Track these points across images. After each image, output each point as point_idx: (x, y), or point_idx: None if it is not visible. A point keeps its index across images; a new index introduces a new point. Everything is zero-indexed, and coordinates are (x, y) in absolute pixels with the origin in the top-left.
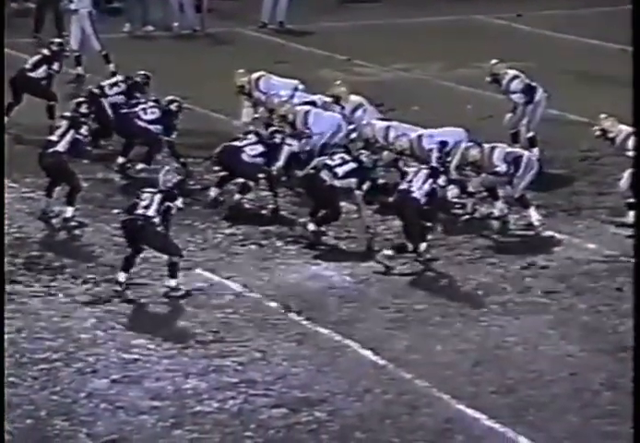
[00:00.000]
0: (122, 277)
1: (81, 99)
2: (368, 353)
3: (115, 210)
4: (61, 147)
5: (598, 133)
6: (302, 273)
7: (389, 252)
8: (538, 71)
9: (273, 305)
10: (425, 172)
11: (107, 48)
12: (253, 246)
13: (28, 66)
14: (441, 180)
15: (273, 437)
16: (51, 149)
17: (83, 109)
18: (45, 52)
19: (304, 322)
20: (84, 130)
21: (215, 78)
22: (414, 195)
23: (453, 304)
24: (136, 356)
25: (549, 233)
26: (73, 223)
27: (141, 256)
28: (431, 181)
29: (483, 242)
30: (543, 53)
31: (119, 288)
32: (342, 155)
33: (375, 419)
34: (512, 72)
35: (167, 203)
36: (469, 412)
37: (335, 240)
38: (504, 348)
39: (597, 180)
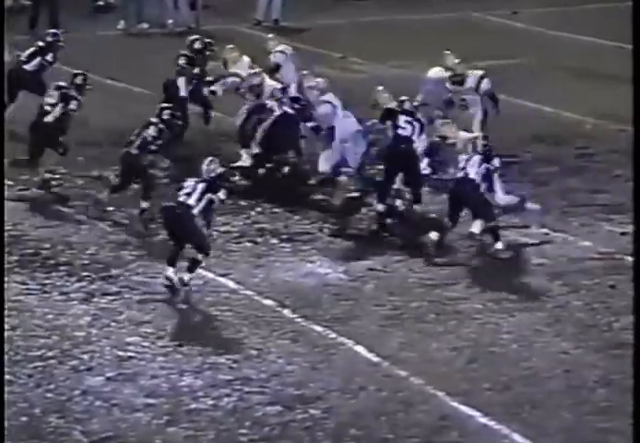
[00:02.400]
0: (170, 271)
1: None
2: (362, 351)
3: (110, 208)
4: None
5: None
6: (297, 271)
7: (435, 236)
8: (533, 68)
9: (268, 302)
10: (478, 157)
11: (102, 45)
12: (248, 244)
13: (23, 59)
14: (496, 161)
15: (268, 435)
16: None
17: (79, 80)
18: (40, 43)
19: (299, 320)
20: (73, 105)
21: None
22: (472, 178)
23: (448, 301)
24: (130, 354)
25: (543, 230)
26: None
27: (134, 253)
28: (485, 165)
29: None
30: (538, 50)
31: (169, 283)
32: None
33: (370, 416)
34: (478, 72)
35: (209, 195)
36: (464, 409)
37: (330, 237)
38: (499, 345)
39: (591, 177)
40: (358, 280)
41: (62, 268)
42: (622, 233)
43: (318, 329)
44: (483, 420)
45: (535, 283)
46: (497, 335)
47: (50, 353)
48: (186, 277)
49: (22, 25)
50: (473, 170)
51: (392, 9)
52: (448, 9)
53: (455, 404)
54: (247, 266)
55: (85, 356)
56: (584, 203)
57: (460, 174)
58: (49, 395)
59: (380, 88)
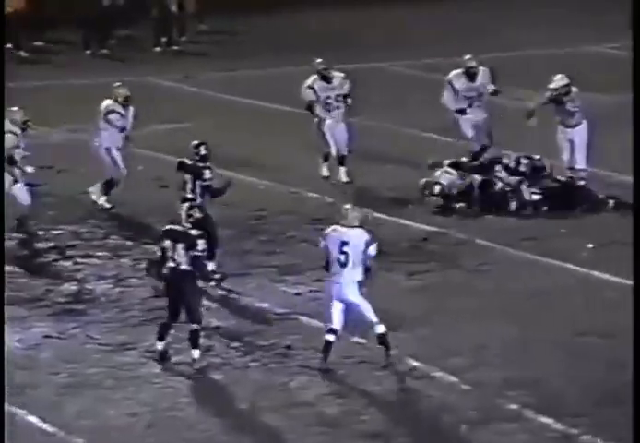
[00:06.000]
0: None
1: None
2: (36, 421)
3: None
4: None
5: None
6: None
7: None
8: (201, 131)
9: None
10: None
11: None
12: None
13: None
14: None
15: None
16: None
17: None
18: None
19: None
20: None
21: None
22: None
23: (127, 366)
24: None
25: (222, 292)
26: None
27: None
28: None
29: (159, 303)
30: (212, 113)
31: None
32: None
33: None
34: None
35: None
36: None
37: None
38: (178, 409)
39: (266, 239)
40: (33, 348)
41: None
42: (297, 294)
43: None
44: None
45: (207, 345)
46: (176, 399)
47: None
48: (196, 354)
49: None
50: None
51: (68, 73)
52: (125, 74)
53: None
54: None
55: None
56: (259, 265)
57: None
58: None
59: None
